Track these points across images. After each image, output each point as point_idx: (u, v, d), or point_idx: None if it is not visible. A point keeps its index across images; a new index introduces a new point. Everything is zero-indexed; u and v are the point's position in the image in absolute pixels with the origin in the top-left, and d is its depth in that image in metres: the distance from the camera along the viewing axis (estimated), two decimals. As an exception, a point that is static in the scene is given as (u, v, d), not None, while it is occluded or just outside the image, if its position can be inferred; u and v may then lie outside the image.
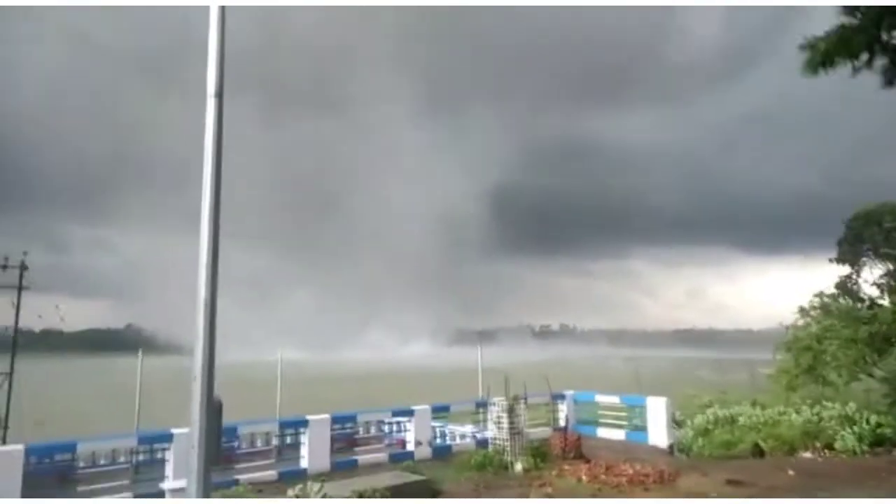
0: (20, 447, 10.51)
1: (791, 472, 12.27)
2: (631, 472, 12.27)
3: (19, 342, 22.29)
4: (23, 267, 21.57)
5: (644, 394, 18.68)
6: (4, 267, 21.52)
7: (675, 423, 16.76)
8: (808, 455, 14.26)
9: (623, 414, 17.45)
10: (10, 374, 20.77)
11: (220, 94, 8.93)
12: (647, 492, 11.23)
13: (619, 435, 17.02)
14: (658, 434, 16.18)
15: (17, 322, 21.68)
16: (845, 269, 19.95)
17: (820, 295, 19.56)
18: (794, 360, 18.50)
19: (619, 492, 11.24)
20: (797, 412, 15.65)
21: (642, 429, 16.64)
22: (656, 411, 16.41)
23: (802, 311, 19.40)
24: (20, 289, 21.51)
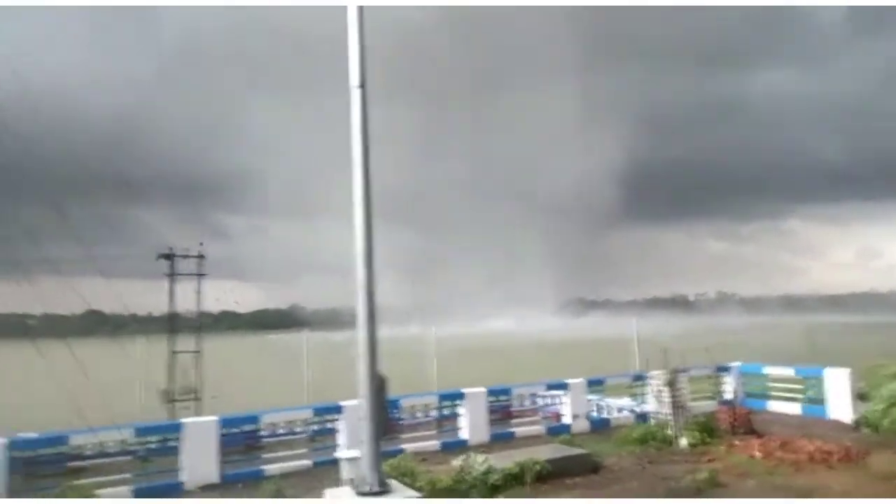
0: (215, 418, 11.71)
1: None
2: (811, 448, 11.38)
3: (204, 324, 24.71)
4: (200, 256, 23.75)
5: (818, 363, 17.23)
6: (185, 257, 23.77)
7: (860, 395, 15.27)
8: None
9: (797, 386, 16.19)
10: (197, 352, 23.02)
11: (363, 85, 9.27)
12: (830, 470, 10.38)
13: (793, 409, 15.82)
14: (840, 408, 14.84)
15: (199, 306, 23.94)
16: None
17: None
18: None
19: (796, 469, 10.49)
20: None
21: (820, 402, 15.35)
22: (837, 383, 15.04)
23: None
24: (199, 276, 23.71)
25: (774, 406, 16.19)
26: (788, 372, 16.48)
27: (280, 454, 12.18)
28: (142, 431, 11.25)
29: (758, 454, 11.37)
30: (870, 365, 18.58)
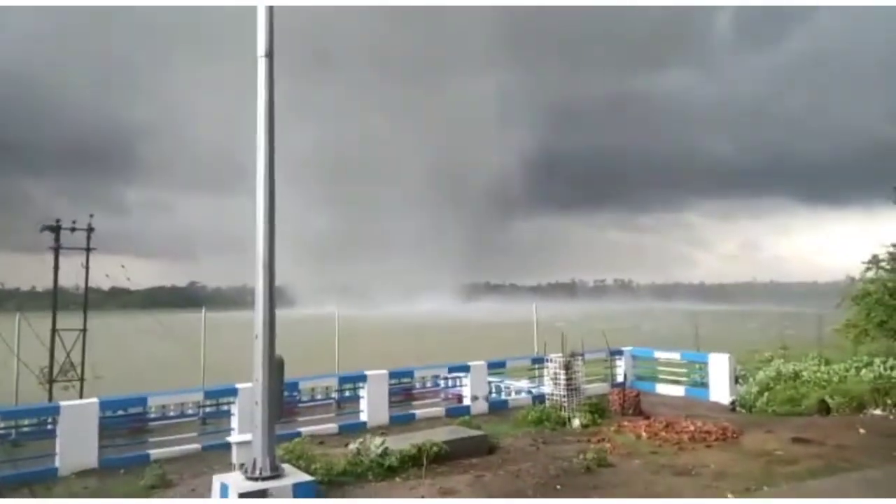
0: (95, 400, 11.02)
1: (862, 431, 11.84)
2: (692, 428, 12.06)
3: (92, 301, 23.23)
4: (90, 229, 22.29)
5: (703, 349, 18.31)
6: (73, 229, 22.24)
7: (738, 378, 16.36)
8: (878, 412, 13.71)
9: (683, 370, 17.14)
10: (84, 330, 21.65)
11: (270, 55, 8.84)
12: (709, 449, 11.02)
13: (678, 391, 16.74)
14: (720, 390, 15.83)
15: (87, 282, 22.49)
16: None
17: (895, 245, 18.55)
18: (864, 314, 17.75)
19: (679, 449, 11.06)
20: (867, 367, 15.03)
21: (703, 385, 16.32)
22: (718, 367, 16.02)
23: (875, 261, 18.44)
24: (88, 250, 22.25)
25: (662, 388, 17.07)
26: (675, 356, 17.40)
27: (167, 438, 11.65)
28: (12, 414, 10.44)
29: (644, 434, 11.92)
30: (747, 350, 19.99)
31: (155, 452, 10.93)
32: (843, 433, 11.72)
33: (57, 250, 21.57)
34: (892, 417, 13.26)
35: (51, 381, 20.55)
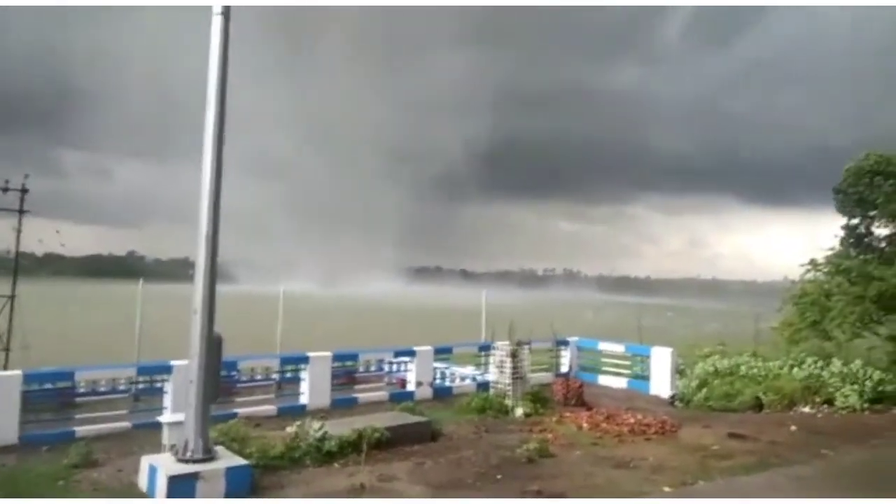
0: (18, 373, 10.41)
1: (793, 428, 12.20)
2: (632, 421, 12.21)
3: (24, 266, 22.13)
4: (24, 190, 21.19)
5: (647, 342, 18.58)
6: (5, 190, 21.12)
7: (678, 372, 16.69)
8: (807, 410, 14.20)
9: (626, 362, 17.37)
10: (12, 297, 20.63)
11: (226, 14, 8.37)
12: (648, 442, 11.16)
13: (621, 383, 16.96)
14: (660, 384, 16.11)
15: (17, 246, 21.44)
16: (852, 222, 19.45)
17: (832, 248, 19.19)
18: (799, 314, 18.33)
19: (619, 441, 11.18)
20: (799, 366, 15.54)
21: (645, 378, 16.58)
22: (660, 361, 16.29)
23: (813, 263, 19.04)
24: (21, 212, 21.17)
25: (605, 380, 17.27)
26: (619, 348, 17.63)
27: (96, 414, 11.10)
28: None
29: (585, 426, 12.00)
30: (687, 345, 20.43)
31: (81, 430, 10.38)
32: (775, 430, 12.06)
33: (-15, 211, 20.48)
34: (819, 416, 13.73)
35: (-26, 351, 19.54)
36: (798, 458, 10.25)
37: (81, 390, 12.14)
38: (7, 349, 19.97)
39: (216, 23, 7.91)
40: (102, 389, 12.58)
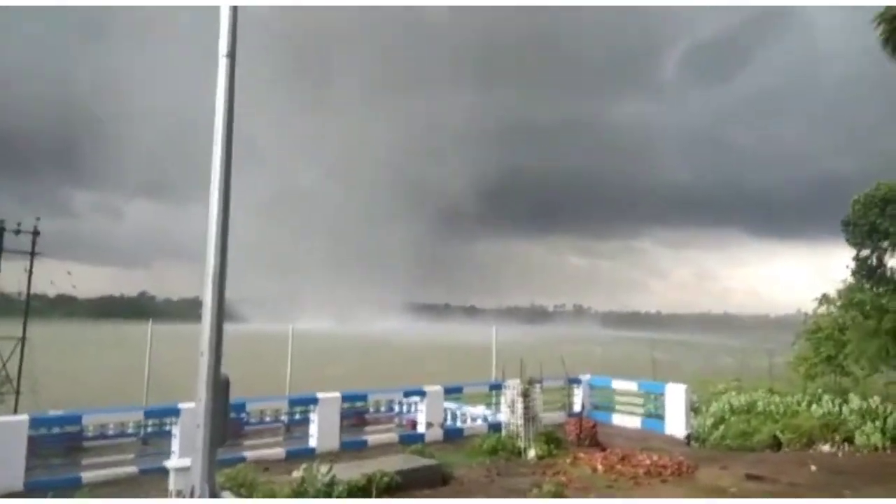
0: (24, 417, 10.34)
1: (813, 468, 11.88)
2: (648, 462, 11.93)
3: (35, 308, 22.22)
4: (35, 233, 21.38)
5: (659, 379, 18.31)
6: (17, 232, 21.32)
7: (693, 410, 16.37)
8: (827, 448, 13.83)
9: (640, 401, 17.07)
10: (23, 339, 20.66)
11: (232, 55, 8.48)
12: (664, 484, 10.89)
13: (634, 422, 16.65)
14: (675, 423, 15.79)
15: (29, 287, 21.52)
16: (862, 253, 19.28)
17: (845, 281, 18.99)
18: (813, 349, 18.05)
19: (635, 483, 10.91)
20: (817, 403, 15.22)
21: (659, 417, 16.26)
22: (675, 399, 15.99)
23: (825, 298, 18.82)
24: (32, 254, 21.33)
25: (619, 419, 16.96)
26: (632, 386, 17.34)
27: (104, 459, 10.98)
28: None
29: (600, 468, 11.74)
30: (701, 381, 20.10)
31: (88, 475, 10.27)
32: (794, 470, 11.74)
33: (-1, 253, 20.63)
34: (840, 455, 13.38)
35: (-17, 394, 19.47)
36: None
37: (89, 434, 12.06)
38: (18, 392, 19.92)
39: (222, 65, 8.00)
40: (111, 433, 12.49)
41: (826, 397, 15.30)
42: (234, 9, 8.41)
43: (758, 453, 13.82)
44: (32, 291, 22.08)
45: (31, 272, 21.48)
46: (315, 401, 13.03)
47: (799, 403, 15.40)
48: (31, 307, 21.86)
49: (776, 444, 14.35)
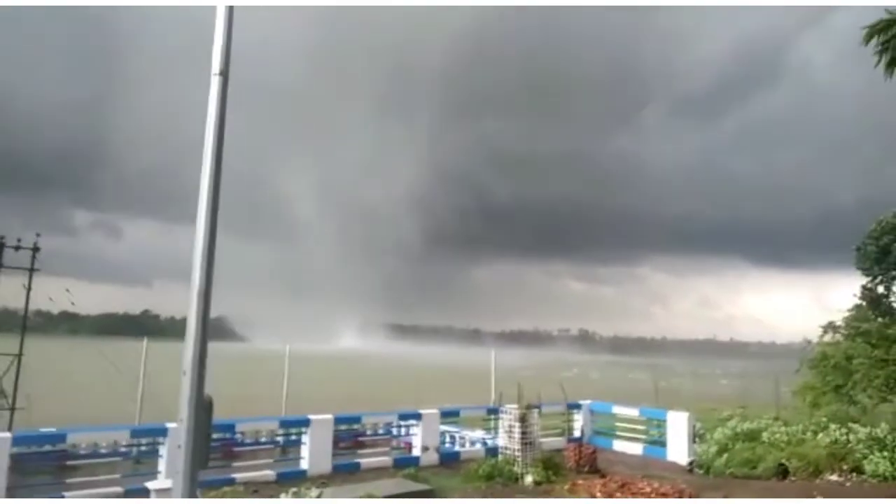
0: (7, 435, 10.11)
1: (820, 499, 11.50)
2: (648, 490, 11.58)
3: (38, 324, 22.10)
4: (35, 249, 21.30)
5: (663, 405, 17.95)
6: (17, 248, 21.25)
7: (696, 437, 16.00)
8: (834, 478, 13.44)
9: (641, 427, 16.70)
10: (20, 356, 20.48)
11: (224, 73, 8.42)
12: (664, 513, 10.55)
13: (636, 449, 16.27)
14: (678, 450, 15.40)
15: (27, 304, 21.37)
16: (863, 281, 19.11)
17: (852, 310, 18.74)
18: (820, 377, 17.74)
19: (634, 511, 10.57)
20: (824, 431, 14.84)
21: (661, 443, 15.89)
22: (677, 426, 15.62)
23: (831, 326, 18.56)
24: (32, 271, 21.24)
25: (619, 445, 16.58)
26: (634, 413, 16.98)
27: (88, 479, 10.71)
28: None
29: (598, 495, 11.39)
30: (706, 408, 19.75)
31: (70, 494, 10.01)
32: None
33: (-2, 269, 20.53)
34: (848, 484, 12.99)
35: (-24, 411, 19.26)
36: (826, 533, 9.59)
37: (80, 452, 11.80)
38: (13, 408, 19.70)
39: (214, 83, 7.91)
40: (104, 451, 12.23)
41: (832, 426, 14.94)
42: (229, 27, 8.37)
43: (763, 482, 13.43)
44: (35, 308, 21.98)
45: (29, 288, 21.36)
46: (307, 422, 12.73)
47: (804, 432, 15.05)
48: (34, 323, 21.75)
49: (782, 473, 13.96)
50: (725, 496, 11.57)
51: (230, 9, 8.47)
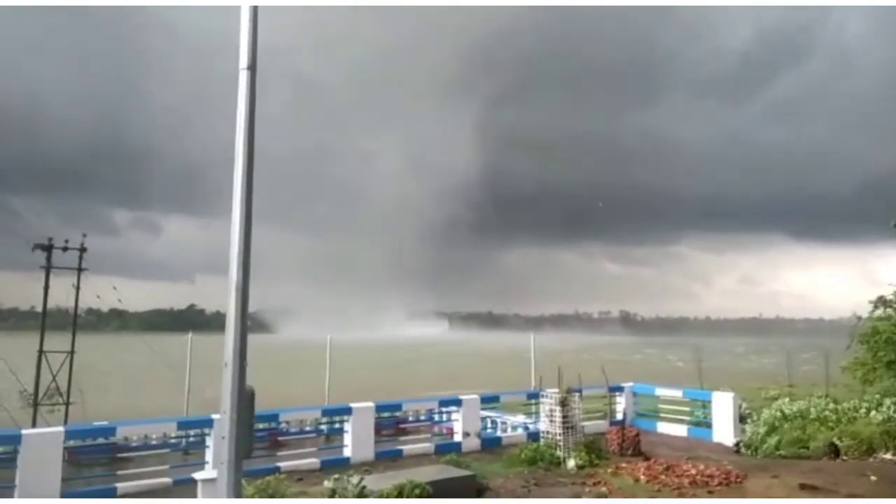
0: (60, 429, 10.45)
1: (873, 478, 11.15)
2: (694, 472, 11.39)
3: (89, 322, 22.80)
4: (82, 249, 21.95)
5: (709, 385, 17.64)
6: (65, 249, 21.92)
7: (742, 417, 15.66)
8: (888, 456, 13.02)
9: (686, 408, 16.43)
10: (72, 353, 21.18)
11: (252, 68, 8.46)
12: (711, 495, 10.35)
13: (680, 431, 16.02)
14: (723, 431, 15.11)
15: (77, 303, 22.08)
16: None
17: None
18: (871, 353, 17.16)
19: (679, 494, 10.40)
20: (877, 408, 14.37)
21: (706, 425, 15.61)
22: (722, 406, 15.32)
23: (882, 300, 17.88)
24: (80, 270, 21.88)
25: (663, 427, 16.36)
26: (677, 394, 16.72)
27: (138, 470, 11.03)
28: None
29: (642, 478, 11.25)
30: (754, 388, 19.33)
31: (123, 486, 10.31)
32: (853, 480, 11.02)
33: (48, 269, 21.21)
34: (903, 463, 12.57)
35: (35, 405, 20.01)
36: (881, 514, 9.30)
37: (130, 444, 12.18)
38: (67, 403, 20.42)
39: (243, 77, 7.97)
40: (152, 443, 12.62)
41: (887, 401, 14.47)
42: (255, 22, 8.40)
43: (813, 462, 13.08)
44: (84, 306, 22.66)
45: (78, 287, 22.04)
46: (349, 410, 12.87)
47: (857, 409, 14.60)
48: (85, 321, 22.42)
49: (834, 453, 13.58)
50: (773, 477, 11.28)
51: (254, 8, 8.51)
